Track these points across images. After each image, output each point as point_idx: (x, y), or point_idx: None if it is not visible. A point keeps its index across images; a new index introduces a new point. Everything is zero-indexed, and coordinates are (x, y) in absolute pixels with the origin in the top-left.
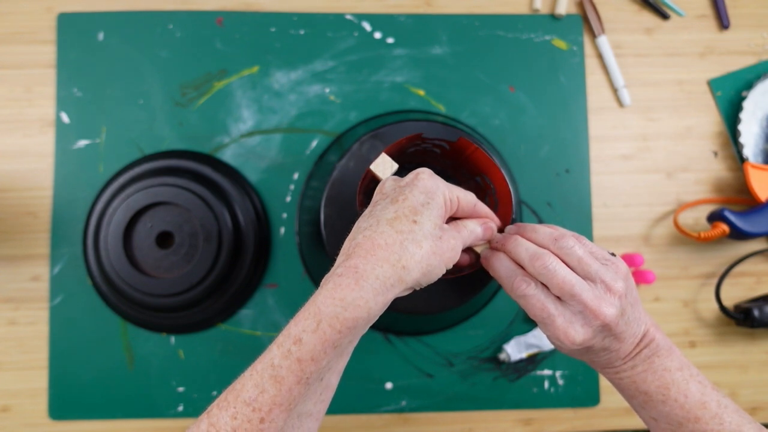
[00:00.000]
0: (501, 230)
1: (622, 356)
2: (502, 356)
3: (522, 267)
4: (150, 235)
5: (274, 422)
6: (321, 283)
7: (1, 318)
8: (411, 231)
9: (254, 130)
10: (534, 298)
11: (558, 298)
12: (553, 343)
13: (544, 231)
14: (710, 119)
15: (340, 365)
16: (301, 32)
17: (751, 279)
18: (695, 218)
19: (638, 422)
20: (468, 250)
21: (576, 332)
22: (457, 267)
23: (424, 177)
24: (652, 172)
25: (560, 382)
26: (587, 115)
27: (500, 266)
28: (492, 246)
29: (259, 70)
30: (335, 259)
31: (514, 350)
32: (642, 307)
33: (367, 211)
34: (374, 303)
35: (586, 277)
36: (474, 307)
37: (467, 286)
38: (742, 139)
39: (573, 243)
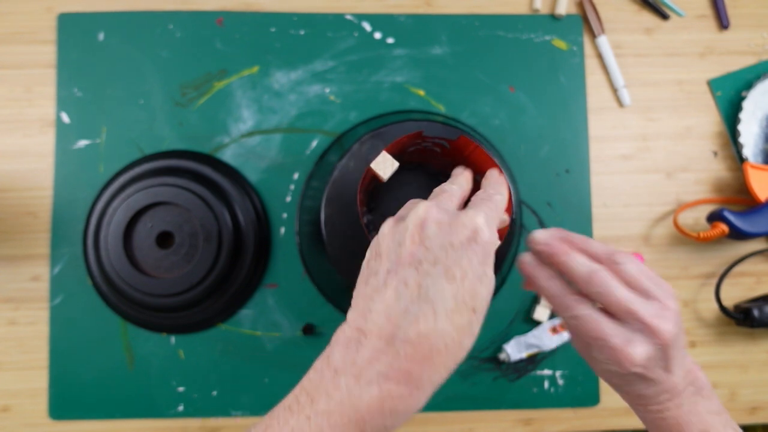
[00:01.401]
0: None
1: (668, 389)
2: (502, 356)
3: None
4: (150, 235)
5: None
6: (338, 340)
7: (1, 318)
8: (470, 324)
9: (254, 130)
10: (588, 318)
11: (611, 317)
12: (605, 370)
13: (598, 245)
14: (710, 119)
15: None
16: (301, 32)
17: (751, 279)
18: (695, 218)
19: (638, 422)
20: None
21: (636, 351)
22: None
23: (484, 235)
24: (652, 172)
25: (560, 382)
26: (587, 115)
27: (550, 284)
28: (537, 251)
29: (259, 70)
30: (336, 265)
31: (514, 350)
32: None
33: (408, 275)
34: (421, 405)
35: (641, 294)
36: None
37: None
38: (741, 139)
39: (627, 259)
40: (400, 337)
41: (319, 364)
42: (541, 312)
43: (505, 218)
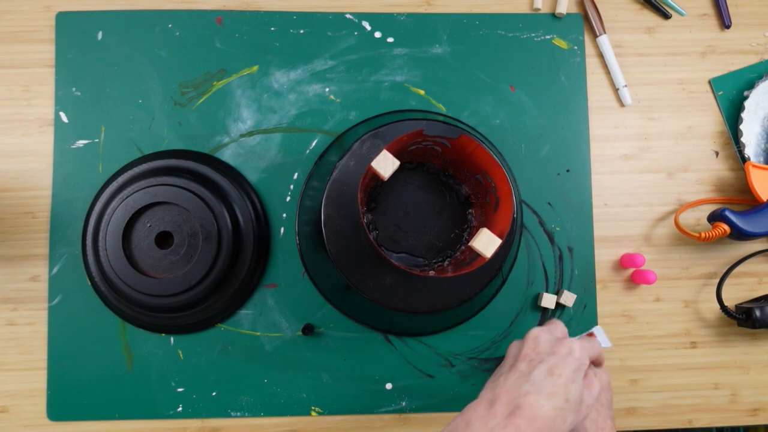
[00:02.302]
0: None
1: None
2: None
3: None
4: (149, 235)
5: None
6: (472, 406)
7: None
8: (562, 409)
9: (254, 130)
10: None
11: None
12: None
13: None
14: (711, 119)
15: None
16: (301, 32)
17: (753, 279)
18: (696, 218)
19: (638, 422)
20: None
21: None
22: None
23: (576, 353)
24: (653, 171)
25: None
26: (588, 115)
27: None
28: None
29: (258, 69)
30: (336, 265)
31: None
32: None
33: (523, 366)
34: None
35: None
36: (474, 308)
37: (467, 286)
38: (743, 139)
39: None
40: (515, 402)
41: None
42: (548, 299)
43: (597, 352)
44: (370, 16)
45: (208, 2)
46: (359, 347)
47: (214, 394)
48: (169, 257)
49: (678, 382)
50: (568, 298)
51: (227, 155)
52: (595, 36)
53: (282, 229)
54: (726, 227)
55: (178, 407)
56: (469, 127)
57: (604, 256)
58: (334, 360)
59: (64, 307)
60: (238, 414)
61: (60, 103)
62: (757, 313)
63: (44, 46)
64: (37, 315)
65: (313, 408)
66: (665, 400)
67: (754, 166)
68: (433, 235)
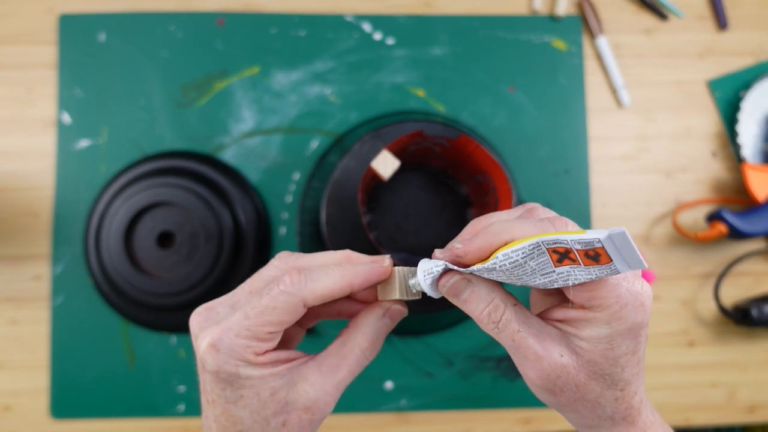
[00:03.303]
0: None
1: (624, 408)
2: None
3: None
4: (151, 235)
5: None
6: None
7: (2, 317)
8: None
9: (255, 131)
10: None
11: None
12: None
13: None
14: (709, 120)
15: None
16: (302, 33)
17: (750, 279)
18: (694, 218)
19: None
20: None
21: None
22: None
23: None
24: (651, 172)
25: None
26: (586, 116)
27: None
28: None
29: (259, 70)
30: None
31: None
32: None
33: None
34: None
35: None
36: None
37: None
38: (740, 140)
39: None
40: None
41: None
42: None
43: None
44: (370, 18)
45: (210, 4)
46: None
47: None
48: (171, 257)
49: (675, 381)
50: None
51: (228, 156)
52: (593, 37)
53: (283, 229)
54: (723, 227)
55: (180, 406)
56: (469, 128)
57: None
58: None
59: (67, 307)
60: None
61: (63, 104)
62: (755, 312)
63: (47, 47)
64: (40, 314)
65: None
66: (663, 398)
67: (751, 167)
68: (433, 235)
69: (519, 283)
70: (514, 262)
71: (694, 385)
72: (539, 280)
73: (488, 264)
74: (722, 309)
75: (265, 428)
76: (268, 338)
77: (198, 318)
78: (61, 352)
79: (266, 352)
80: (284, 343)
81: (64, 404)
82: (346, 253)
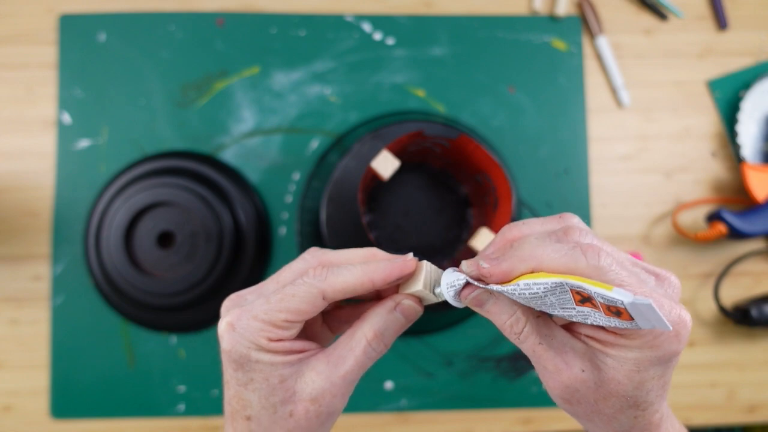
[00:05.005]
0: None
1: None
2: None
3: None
4: (151, 235)
5: None
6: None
7: (2, 317)
8: None
9: (255, 131)
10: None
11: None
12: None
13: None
14: (709, 120)
15: None
16: (302, 33)
17: (750, 279)
18: (694, 218)
19: None
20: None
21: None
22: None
23: None
24: (651, 172)
25: None
26: (586, 116)
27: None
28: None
29: (259, 70)
30: None
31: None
32: None
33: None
34: None
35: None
36: None
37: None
38: (740, 140)
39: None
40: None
41: None
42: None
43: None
44: (370, 18)
45: (210, 4)
46: None
47: (215, 392)
48: (171, 257)
49: (675, 381)
50: None
51: (228, 156)
52: (593, 37)
53: (283, 229)
54: (723, 227)
55: (180, 406)
56: (469, 128)
57: None
58: None
59: (67, 307)
60: None
61: (63, 104)
62: (754, 312)
63: (47, 48)
64: (40, 314)
65: None
66: None
67: (750, 167)
68: (432, 235)
69: (537, 309)
70: (534, 293)
71: (693, 385)
72: (558, 311)
73: (508, 288)
74: (722, 309)
75: (272, 416)
76: (284, 326)
77: (227, 303)
78: (61, 352)
79: (281, 340)
80: (308, 341)
81: (64, 404)
82: (372, 251)
